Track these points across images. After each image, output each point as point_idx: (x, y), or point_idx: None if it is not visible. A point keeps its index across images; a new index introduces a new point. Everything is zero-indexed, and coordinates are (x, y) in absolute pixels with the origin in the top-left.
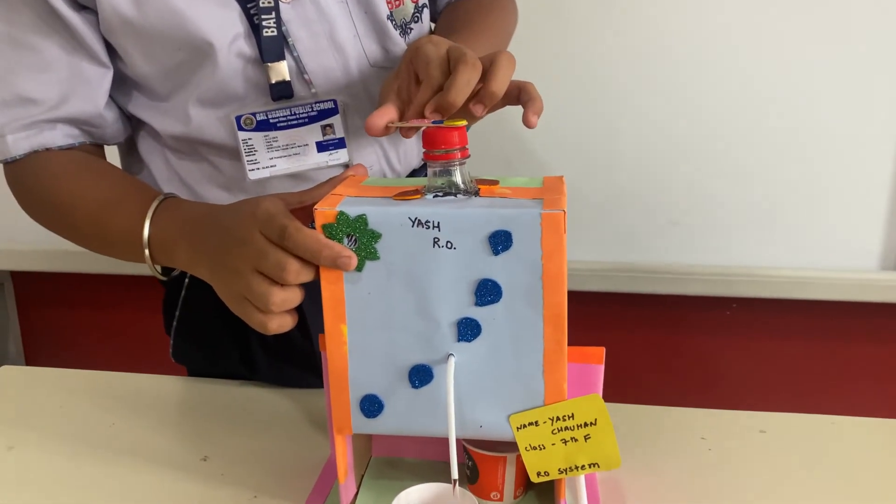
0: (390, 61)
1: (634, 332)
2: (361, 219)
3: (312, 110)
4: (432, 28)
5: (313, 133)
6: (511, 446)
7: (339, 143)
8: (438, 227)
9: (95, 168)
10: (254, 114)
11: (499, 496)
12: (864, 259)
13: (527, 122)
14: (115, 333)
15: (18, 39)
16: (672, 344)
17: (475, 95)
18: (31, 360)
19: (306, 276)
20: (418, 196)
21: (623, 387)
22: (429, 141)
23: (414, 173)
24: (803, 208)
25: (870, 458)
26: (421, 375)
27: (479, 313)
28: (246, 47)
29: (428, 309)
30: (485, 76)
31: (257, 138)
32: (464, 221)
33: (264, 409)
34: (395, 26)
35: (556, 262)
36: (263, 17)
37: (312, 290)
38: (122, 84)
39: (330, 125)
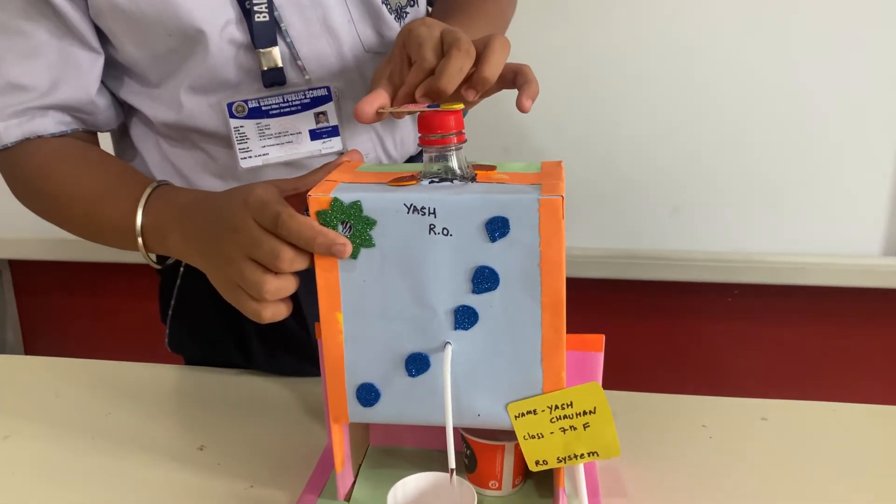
0: (385, 47)
1: (634, 319)
2: (356, 205)
3: (305, 97)
4: (429, 11)
5: (306, 121)
6: (509, 435)
7: (333, 132)
8: (434, 213)
9: (88, 155)
10: (245, 101)
11: (497, 485)
12: (866, 245)
13: (521, 106)
14: (113, 321)
15: (7, 25)
16: (672, 331)
17: (468, 80)
18: (29, 348)
19: (300, 263)
20: (414, 182)
21: (622, 375)
22: (424, 125)
23: (411, 160)
24: (805, 194)
25: (872, 445)
26: (417, 364)
27: (476, 301)
28: (237, 33)
29: (424, 297)
30: (478, 60)
31: (249, 126)
32: (460, 208)
33: (261, 398)
34: (391, 10)
35: (554, 249)
36: (255, 1)
37: (307, 278)
38: (114, 70)
39: (323, 113)
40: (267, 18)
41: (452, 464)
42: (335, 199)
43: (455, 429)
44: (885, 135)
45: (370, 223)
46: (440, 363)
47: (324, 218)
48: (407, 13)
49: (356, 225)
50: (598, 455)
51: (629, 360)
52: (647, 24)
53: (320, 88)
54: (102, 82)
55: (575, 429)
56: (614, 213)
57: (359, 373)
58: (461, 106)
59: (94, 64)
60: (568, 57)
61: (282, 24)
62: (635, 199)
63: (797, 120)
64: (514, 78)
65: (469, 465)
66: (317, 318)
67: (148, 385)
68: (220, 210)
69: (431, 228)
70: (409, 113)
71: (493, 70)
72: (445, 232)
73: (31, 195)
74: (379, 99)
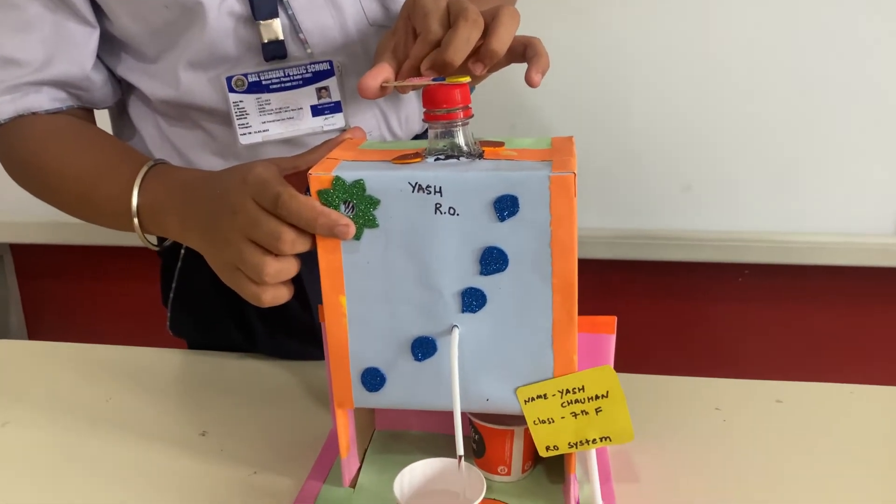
0: (390, 20)
1: (643, 301)
2: (359, 184)
3: (307, 72)
4: None
5: (308, 96)
6: (519, 419)
7: (335, 108)
8: (440, 192)
9: (83, 133)
10: (245, 75)
11: (506, 470)
12: (881, 223)
13: (529, 81)
14: (117, 306)
15: None
16: (683, 313)
17: (475, 53)
18: (32, 332)
19: (302, 245)
20: (419, 160)
21: (632, 357)
22: (429, 100)
23: (416, 139)
24: (818, 171)
25: (891, 427)
26: (424, 348)
27: (484, 283)
28: (237, 4)
29: (430, 279)
30: (486, 33)
31: (249, 101)
32: (467, 186)
33: (264, 382)
34: None
35: (565, 228)
36: None
37: (310, 260)
38: (110, 45)
39: (325, 88)
40: None
41: (461, 450)
42: (337, 178)
43: (463, 413)
44: None
45: (374, 203)
46: (447, 347)
47: (325, 197)
48: None
49: (359, 205)
50: (610, 440)
51: (638, 342)
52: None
53: (322, 62)
54: (99, 58)
55: (587, 413)
56: (623, 191)
57: (363, 357)
58: (468, 79)
59: (89, 38)
60: (578, 32)
61: None
62: (645, 176)
63: (810, 96)
64: (524, 51)
65: (477, 451)
66: (319, 299)
67: (149, 370)
68: (218, 190)
69: (437, 208)
70: (414, 88)
71: (501, 42)
72: (452, 211)
73: (26, 174)
74: (383, 73)
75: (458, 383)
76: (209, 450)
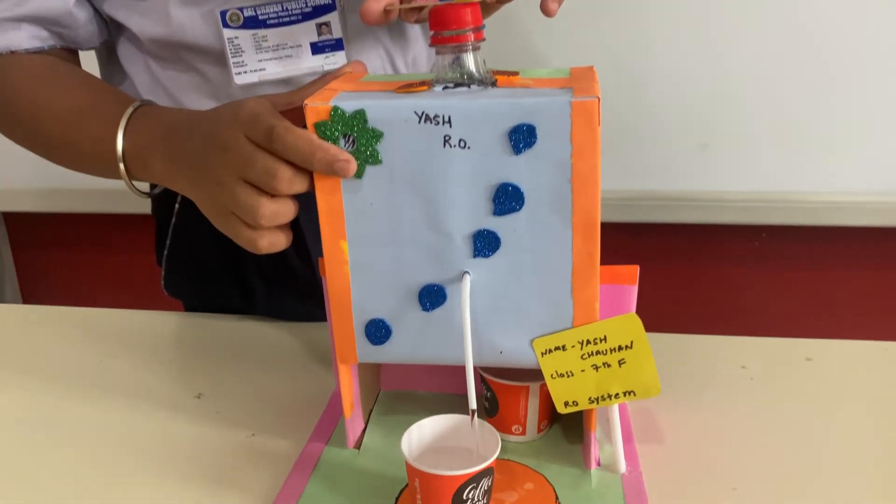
0: None
1: (660, 264)
2: (359, 114)
3: (307, 6)
4: None
5: (307, 32)
6: (534, 375)
7: (337, 45)
8: (450, 122)
9: (66, 73)
10: (241, 9)
11: (521, 430)
12: None
13: (546, 10)
14: (114, 274)
15: None
16: (701, 276)
17: None
18: (28, 301)
19: (299, 184)
20: (425, 88)
21: (647, 323)
22: (436, 20)
23: None
24: (838, 129)
25: None
26: (432, 296)
27: (497, 224)
28: None
29: (439, 220)
30: None
31: (244, 37)
32: (479, 114)
33: (264, 343)
34: None
35: (587, 161)
36: None
37: (310, 210)
38: None
39: (326, 24)
40: None
41: (473, 404)
42: (335, 108)
43: (474, 369)
44: None
45: (376, 135)
46: (458, 295)
47: (323, 130)
48: None
49: (360, 138)
50: (634, 395)
51: (653, 308)
52: None
53: None
54: None
55: (609, 366)
56: (638, 151)
57: (367, 308)
58: None
59: None
60: None
61: None
62: (661, 135)
63: (833, 52)
64: None
65: (490, 409)
66: (321, 251)
67: (143, 332)
68: (208, 127)
69: (446, 140)
70: (419, 15)
71: None
72: (462, 144)
73: (5, 118)
74: None
75: (469, 334)
76: (204, 412)
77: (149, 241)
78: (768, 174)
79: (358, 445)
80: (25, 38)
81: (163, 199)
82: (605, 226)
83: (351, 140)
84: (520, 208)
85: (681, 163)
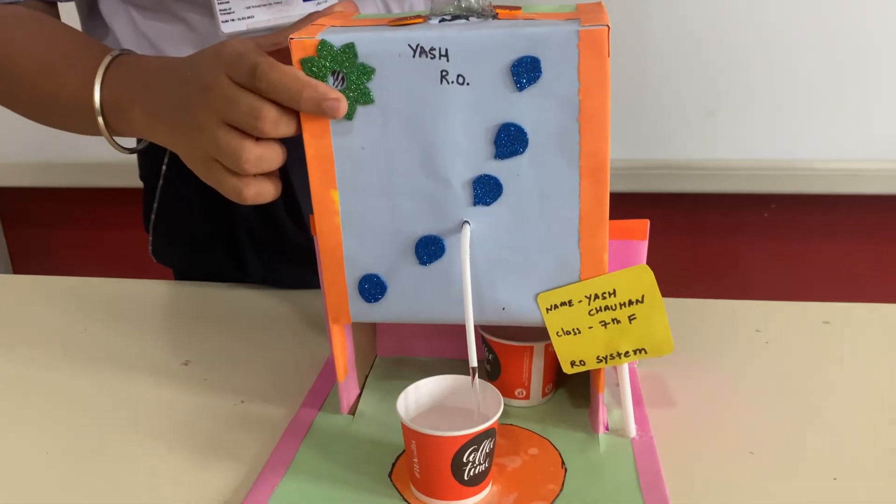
0: None
1: (667, 234)
2: (349, 49)
3: None
4: None
5: None
6: (539, 334)
7: None
8: (447, 55)
9: (41, 24)
10: None
11: (524, 393)
12: None
13: None
14: (107, 248)
15: None
16: (708, 247)
17: None
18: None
19: (285, 126)
20: (421, 20)
21: None
22: None
23: None
24: (850, 94)
25: None
26: (430, 249)
27: (499, 168)
28: None
29: (436, 165)
30: None
31: None
32: (479, 47)
33: (255, 310)
34: None
35: (596, 97)
36: None
37: (302, 168)
38: None
39: None
40: None
41: (474, 362)
42: (323, 42)
43: (475, 328)
44: None
45: (367, 72)
46: (457, 247)
47: (310, 66)
48: None
49: (350, 75)
50: (646, 352)
51: (661, 278)
52: None
53: None
54: None
55: (618, 322)
56: (643, 118)
57: (360, 262)
58: None
59: None
60: None
61: None
62: (667, 102)
63: (845, 16)
64: None
65: (491, 372)
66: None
67: (130, 300)
68: (188, 71)
69: (444, 76)
70: None
71: None
72: (461, 80)
73: None
74: None
75: (469, 289)
76: (191, 379)
77: (141, 216)
78: (776, 142)
79: (352, 411)
80: None
81: (149, 159)
82: (610, 195)
83: (340, 77)
84: (523, 151)
85: (688, 131)
